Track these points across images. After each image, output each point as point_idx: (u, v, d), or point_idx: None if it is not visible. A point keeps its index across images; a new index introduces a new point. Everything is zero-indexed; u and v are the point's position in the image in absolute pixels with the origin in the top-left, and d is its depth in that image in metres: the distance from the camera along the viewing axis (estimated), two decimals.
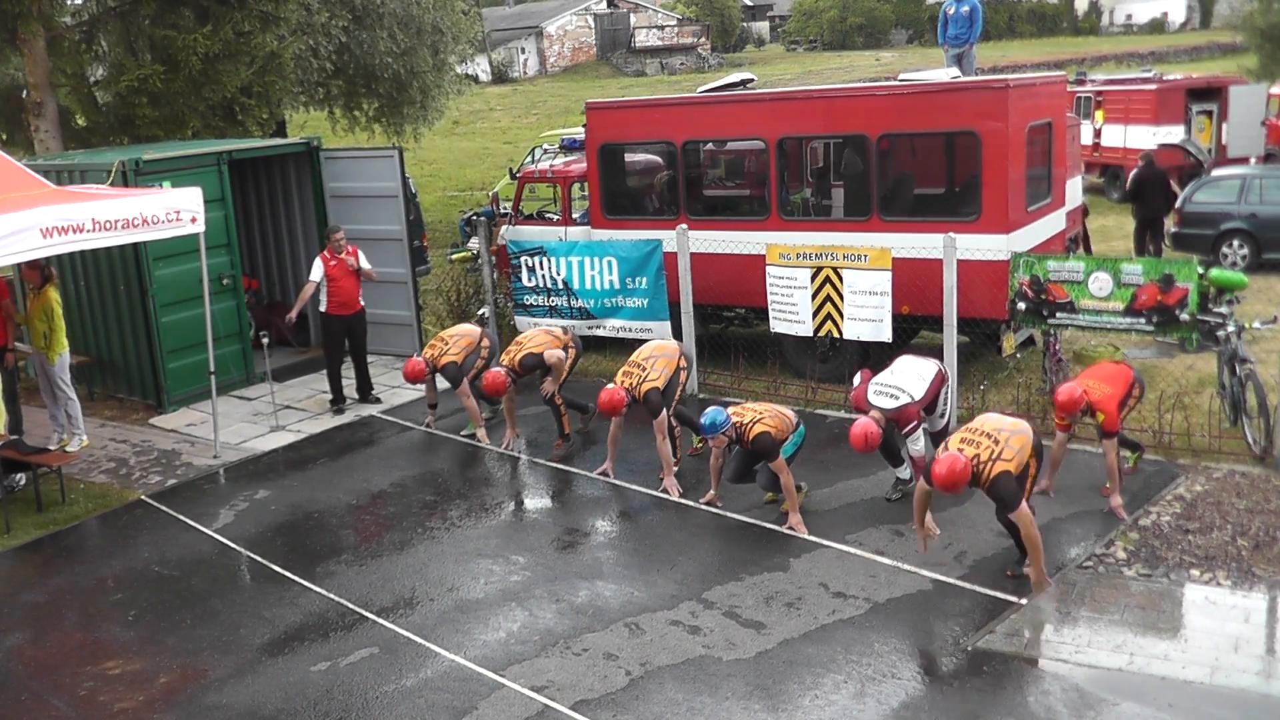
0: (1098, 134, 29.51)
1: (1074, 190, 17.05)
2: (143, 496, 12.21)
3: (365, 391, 14.86)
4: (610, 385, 11.52)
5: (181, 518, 11.59)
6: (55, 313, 13.02)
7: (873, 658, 8.12)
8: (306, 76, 23.57)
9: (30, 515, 11.86)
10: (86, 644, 9.26)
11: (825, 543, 9.91)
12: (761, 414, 10.25)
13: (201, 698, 8.28)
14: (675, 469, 11.42)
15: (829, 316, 13.26)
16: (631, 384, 11.42)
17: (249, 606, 9.64)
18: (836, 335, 13.31)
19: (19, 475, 12.33)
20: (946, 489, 8.55)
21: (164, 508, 11.89)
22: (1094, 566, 9.17)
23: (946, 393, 10.81)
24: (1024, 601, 8.69)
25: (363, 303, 14.52)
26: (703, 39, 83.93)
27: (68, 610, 9.91)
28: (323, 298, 14.35)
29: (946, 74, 14.38)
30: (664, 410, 11.30)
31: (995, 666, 7.91)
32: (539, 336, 12.98)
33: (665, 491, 11.27)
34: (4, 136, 21.91)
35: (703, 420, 10.31)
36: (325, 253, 14.36)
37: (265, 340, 14.42)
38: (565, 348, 12.82)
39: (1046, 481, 10.45)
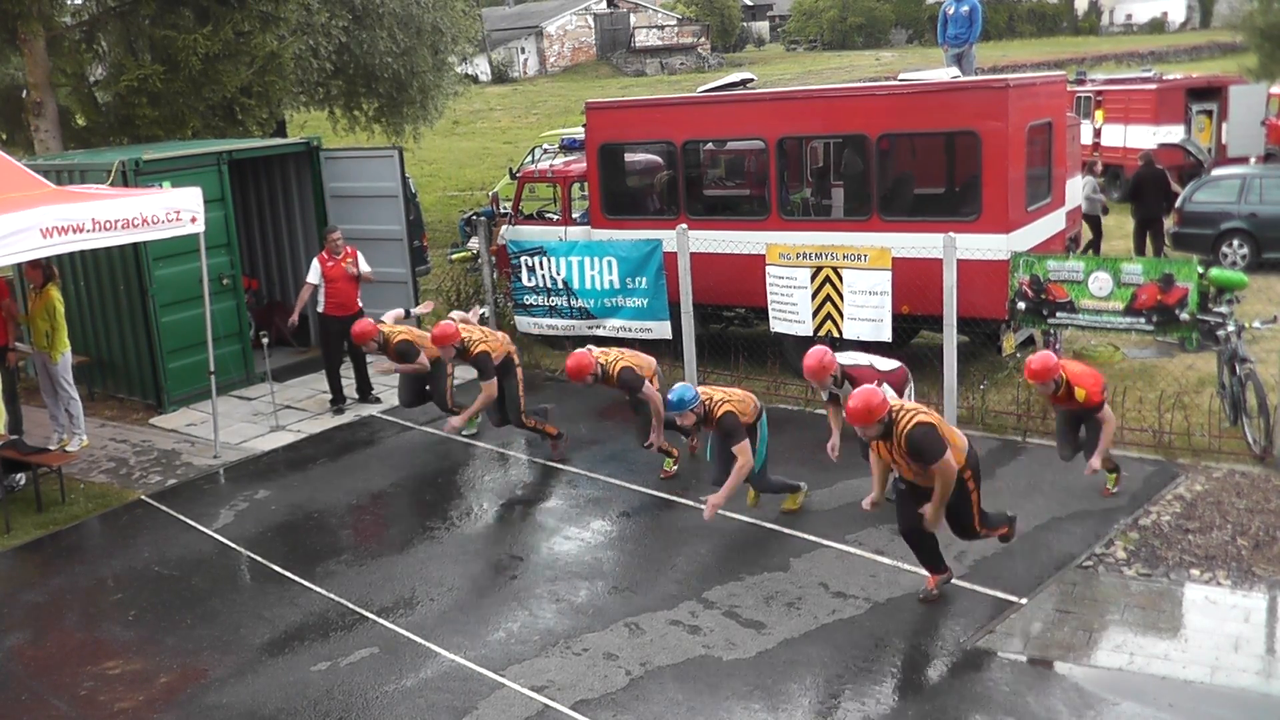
0: (1098, 134, 29.51)
1: (1074, 190, 17.05)
2: (143, 496, 12.21)
3: (365, 392, 14.85)
4: (581, 350, 11.47)
5: (181, 518, 11.59)
6: (58, 311, 13.02)
7: (873, 657, 8.12)
8: (306, 76, 23.55)
9: (30, 515, 11.86)
10: (87, 644, 9.26)
11: (825, 542, 9.91)
12: (729, 395, 10.21)
13: (201, 697, 8.28)
14: (674, 468, 11.41)
15: (829, 316, 13.26)
16: (607, 360, 11.36)
17: (249, 606, 9.64)
18: (837, 335, 13.29)
19: (19, 475, 12.33)
20: (855, 419, 8.20)
21: (164, 508, 11.89)
22: (1094, 566, 9.18)
23: (909, 394, 10.65)
24: (1024, 601, 8.69)
25: (361, 303, 14.50)
26: (703, 39, 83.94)
27: (68, 610, 9.91)
28: (320, 299, 14.35)
29: (946, 74, 14.38)
30: (644, 383, 11.24)
31: (995, 666, 7.92)
32: (496, 339, 12.60)
33: (649, 446, 11.42)
34: (4, 136, 21.90)
35: (670, 396, 10.17)
36: (323, 254, 14.36)
37: (265, 340, 14.42)
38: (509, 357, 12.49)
39: None
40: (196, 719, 8.04)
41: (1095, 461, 10.11)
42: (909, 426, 8.20)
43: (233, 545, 10.85)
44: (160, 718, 8.09)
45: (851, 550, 9.75)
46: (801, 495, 10.61)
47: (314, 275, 14.34)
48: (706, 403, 10.09)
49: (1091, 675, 7.73)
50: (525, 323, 15.57)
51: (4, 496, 11.85)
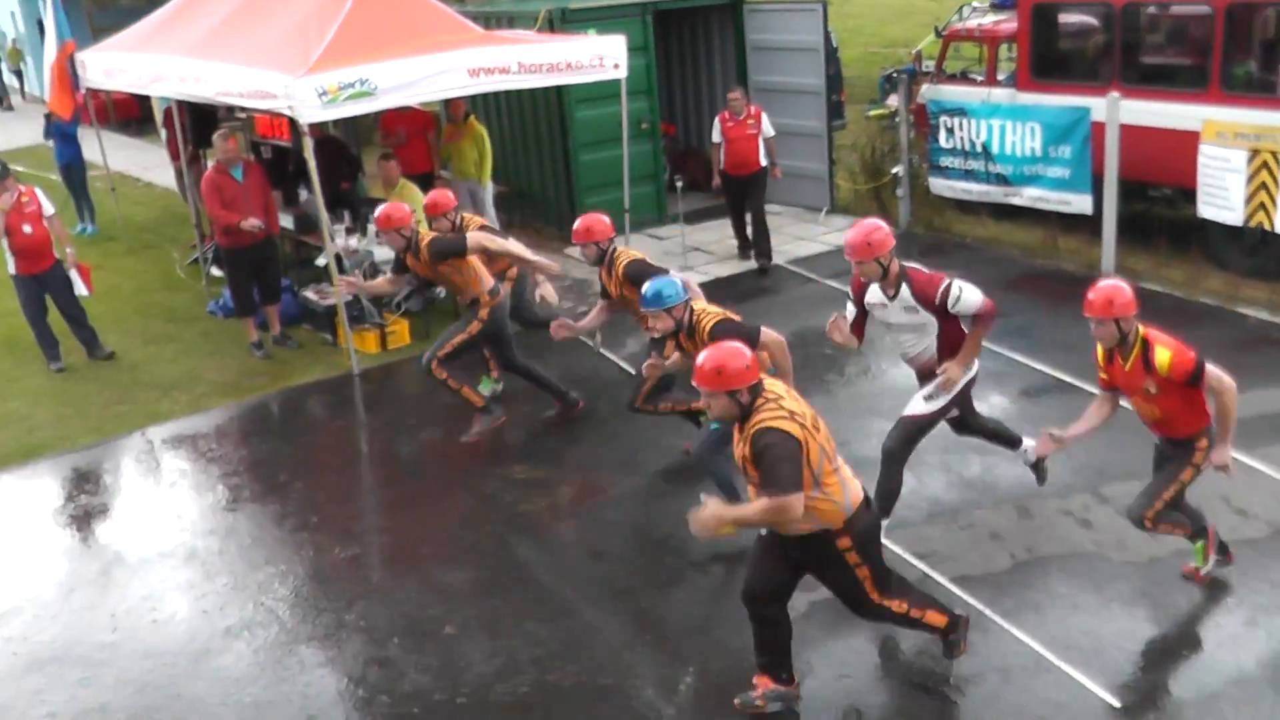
0: None
1: None
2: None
3: (761, 252, 14.69)
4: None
5: (589, 343, 12.18)
6: (485, 141, 13.97)
7: (1270, 586, 7.48)
8: None
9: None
10: (493, 448, 10.05)
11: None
12: (727, 315, 7.78)
13: (599, 511, 8.79)
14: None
15: (1262, 205, 12.23)
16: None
17: (647, 432, 10.05)
18: (1268, 227, 12.28)
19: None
20: (702, 380, 5.86)
21: None
22: None
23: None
24: None
25: (763, 162, 14.44)
26: None
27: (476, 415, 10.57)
28: (721, 156, 14.46)
29: None
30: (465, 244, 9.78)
31: None
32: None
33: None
34: None
35: (646, 288, 7.62)
36: (724, 114, 14.46)
37: (679, 184, 14.74)
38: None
39: None
40: (592, 529, 8.56)
41: (1222, 453, 7.20)
42: (767, 423, 5.74)
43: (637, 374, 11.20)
44: (559, 523, 8.68)
45: (1258, 466, 8.89)
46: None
47: (716, 135, 14.50)
48: (695, 312, 7.69)
49: None
50: (939, 185, 15.23)
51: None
